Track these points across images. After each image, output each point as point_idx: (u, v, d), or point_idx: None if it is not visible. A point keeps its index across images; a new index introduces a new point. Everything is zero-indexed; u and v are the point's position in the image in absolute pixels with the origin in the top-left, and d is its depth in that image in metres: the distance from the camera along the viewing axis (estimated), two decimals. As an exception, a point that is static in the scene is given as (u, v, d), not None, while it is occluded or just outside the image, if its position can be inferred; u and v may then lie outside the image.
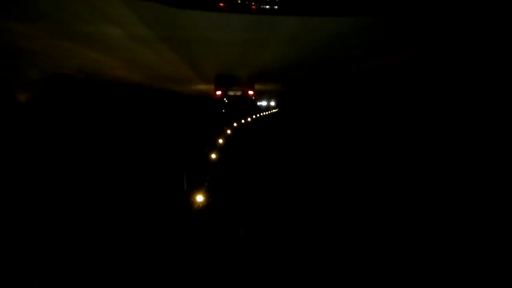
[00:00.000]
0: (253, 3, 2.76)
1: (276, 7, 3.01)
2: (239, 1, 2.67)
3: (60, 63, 6.69)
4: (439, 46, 5.64)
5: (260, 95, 15.93)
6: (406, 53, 6.43)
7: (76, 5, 3.50)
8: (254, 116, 25.33)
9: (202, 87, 10.89)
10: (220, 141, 16.02)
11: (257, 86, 8.91)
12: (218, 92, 7.58)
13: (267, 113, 26.88)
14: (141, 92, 12.89)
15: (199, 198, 8.56)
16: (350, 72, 8.99)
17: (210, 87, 8.50)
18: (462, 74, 7.50)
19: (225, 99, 7.79)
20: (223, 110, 10.25)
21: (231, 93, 7.66)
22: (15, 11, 3.71)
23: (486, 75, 7.59)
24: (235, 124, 20.55)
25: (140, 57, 6.28)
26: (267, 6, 2.90)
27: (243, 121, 22.60)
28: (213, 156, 13.24)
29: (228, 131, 18.49)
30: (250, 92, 7.90)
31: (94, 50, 5.61)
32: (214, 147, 14.66)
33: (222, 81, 7.61)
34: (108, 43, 5.09)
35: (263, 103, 21.13)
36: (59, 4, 3.51)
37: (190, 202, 8.63)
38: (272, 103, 22.11)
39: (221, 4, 2.54)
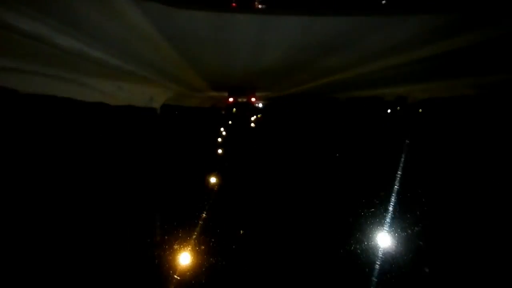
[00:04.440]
0: (262, 3, 2.77)
1: (281, 7, 3.02)
2: (249, 1, 2.67)
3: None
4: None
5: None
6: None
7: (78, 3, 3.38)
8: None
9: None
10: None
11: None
12: (230, 99, 10.07)
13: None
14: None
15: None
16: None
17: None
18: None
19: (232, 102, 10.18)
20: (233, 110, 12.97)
21: (239, 100, 10.08)
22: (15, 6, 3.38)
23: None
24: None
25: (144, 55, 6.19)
26: (270, 6, 2.89)
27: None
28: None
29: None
30: (253, 99, 10.11)
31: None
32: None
33: (233, 91, 10.04)
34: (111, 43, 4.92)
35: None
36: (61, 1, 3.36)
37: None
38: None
39: (234, 4, 2.54)
